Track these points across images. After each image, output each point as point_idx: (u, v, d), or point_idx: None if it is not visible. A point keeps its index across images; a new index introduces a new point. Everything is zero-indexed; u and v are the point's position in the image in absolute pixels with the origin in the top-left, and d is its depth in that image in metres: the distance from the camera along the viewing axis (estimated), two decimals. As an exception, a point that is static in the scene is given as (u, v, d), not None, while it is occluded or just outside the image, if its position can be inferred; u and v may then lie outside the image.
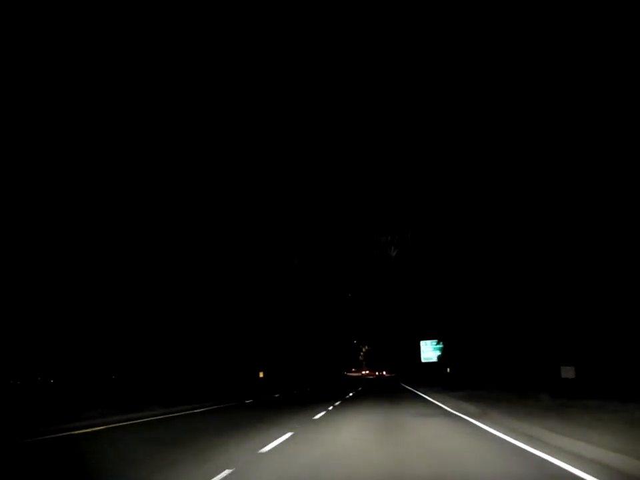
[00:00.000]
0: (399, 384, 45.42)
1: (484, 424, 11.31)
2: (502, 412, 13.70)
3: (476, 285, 39.86)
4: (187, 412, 15.81)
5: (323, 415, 13.97)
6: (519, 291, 31.88)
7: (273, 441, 8.29)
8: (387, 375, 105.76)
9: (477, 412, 14.62)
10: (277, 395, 26.75)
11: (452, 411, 15.51)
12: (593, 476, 5.69)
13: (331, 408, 16.69)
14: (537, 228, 24.13)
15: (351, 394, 27.56)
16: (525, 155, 24.70)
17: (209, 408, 17.71)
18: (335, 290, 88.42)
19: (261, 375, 34.58)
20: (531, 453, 7.24)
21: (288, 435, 9.08)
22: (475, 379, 34.66)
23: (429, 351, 63.83)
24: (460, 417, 13.46)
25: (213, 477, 5.75)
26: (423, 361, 63.93)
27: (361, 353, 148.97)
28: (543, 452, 7.20)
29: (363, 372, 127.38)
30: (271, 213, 40.01)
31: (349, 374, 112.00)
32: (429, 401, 20.41)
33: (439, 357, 60.28)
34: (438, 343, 61.87)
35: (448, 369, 42.21)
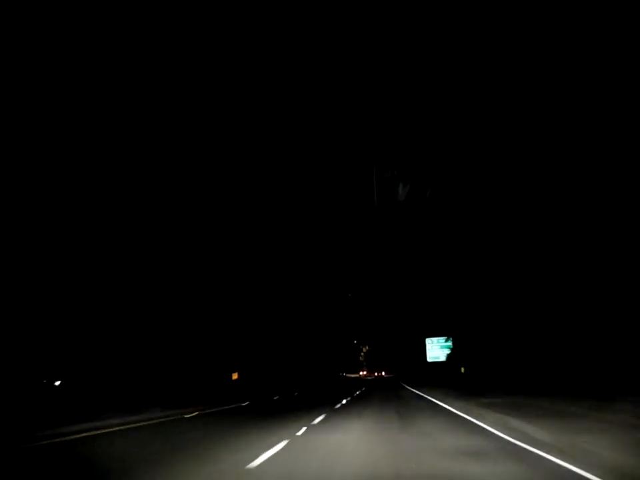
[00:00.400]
0: (404, 387, 38.71)
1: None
2: (619, 446, 7.15)
3: (496, 266, 33.39)
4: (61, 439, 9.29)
5: (278, 453, 7.41)
6: (556, 268, 25.44)
7: None
8: (385, 376, 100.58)
9: (558, 443, 8.04)
10: (245, 404, 20.19)
11: (508, 438, 8.97)
12: None
13: (301, 432, 10.09)
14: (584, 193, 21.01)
15: (344, 401, 20.97)
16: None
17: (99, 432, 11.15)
18: (333, 285, 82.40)
19: (235, 376, 28.07)
20: None
21: None
22: (501, 381, 28.08)
23: (436, 349, 57.26)
24: (539, 456, 6.93)
25: None
26: (429, 360, 57.39)
27: (361, 354, 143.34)
28: None
29: (361, 373, 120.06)
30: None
31: (348, 375, 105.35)
32: (457, 415, 13.79)
33: (448, 356, 53.73)
34: (447, 340, 55.34)
35: (462, 369, 35.53)
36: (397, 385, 44.74)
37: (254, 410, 17.76)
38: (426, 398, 22.02)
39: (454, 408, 15.84)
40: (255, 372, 34.46)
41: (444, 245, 40.06)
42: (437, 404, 18.16)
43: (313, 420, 12.36)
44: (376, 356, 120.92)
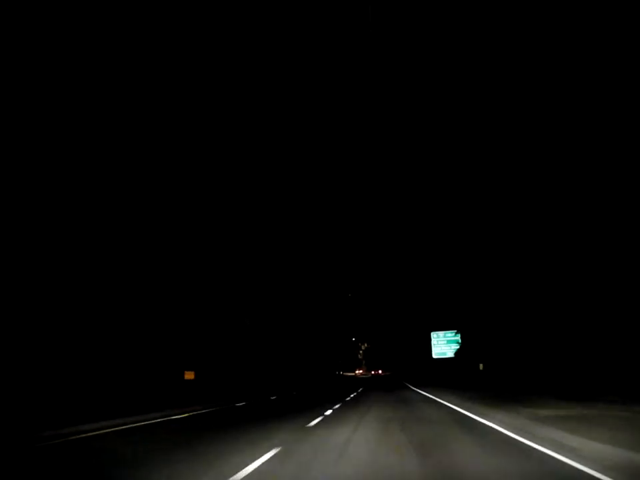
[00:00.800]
0: (408, 387, 32.35)
1: None
2: None
3: (513, 241, 27.22)
4: None
5: None
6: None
7: None
8: (382, 374, 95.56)
9: None
10: (184, 415, 13.79)
11: None
12: None
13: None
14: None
15: (329, 411, 14.49)
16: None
17: None
18: (331, 278, 76.46)
19: (189, 376, 21.75)
20: None
21: None
22: (536, 380, 21.74)
23: (442, 345, 50.75)
24: None
25: None
26: (434, 356, 50.86)
27: (360, 351, 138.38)
28: None
29: (357, 371, 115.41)
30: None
31: (345, 374, 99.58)
32: (528, 447, 7.33)
33: (457, 352, 47.36)
34: (455, 334, 49.00)
35: (481, 366, 29.06)
36: (398, 385, 38.42)
37: (187, 426, 11.43)
38: (445, 405, 15.58)
39: (504, 427, 9.48)
40: (224, 370, 28.19)
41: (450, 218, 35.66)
42: (470, 418, 11.77)
43: (262, 455, 5.96)
44: (375, 353, 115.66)
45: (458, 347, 47.95)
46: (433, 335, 51.09)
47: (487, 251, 34.66)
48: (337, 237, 65.00)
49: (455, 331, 48.29)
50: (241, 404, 18.54)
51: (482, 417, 11.44)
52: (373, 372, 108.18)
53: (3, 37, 19.92)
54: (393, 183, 50.60)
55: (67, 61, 22.73)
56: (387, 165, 49.43)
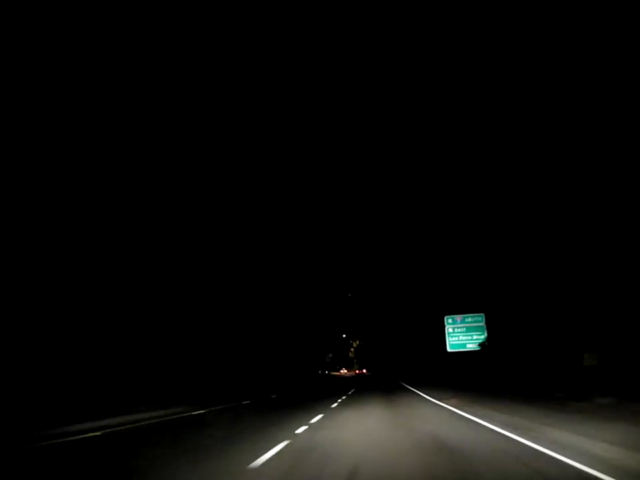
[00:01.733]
0: (427, 398, 18.47)
1: None
2: None
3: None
4: None
5: None
6: None
7: None
8: (366, 373, 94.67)
9: None
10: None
11: None
12: None
13: None
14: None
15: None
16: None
17: None
18: (321, 266, 65.07)
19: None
20: None
21: None
22: None
23: (461, 333, 36.72)
24: None
25: None
26: (449, 349, 37.00)
27: (352, 349, 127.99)
28: None
29: (342, 371, 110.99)
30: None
31: (332, 373, 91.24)
32: None
33: (483, 343, 33.77)
34: (478, 319, 35.48)
35: (591, 358, 15.17)
36: (398, 386, 24.84)
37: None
38: None
39: None
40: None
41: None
42: None
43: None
44: (368, 351, 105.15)
45: (484, 335, 34.45)
46: (447, 319, 37.08)
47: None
48: (332, 229, 61.18)
49: (482, 314, 34.74)
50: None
51: None
52: (357, 371, 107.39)
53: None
54: (395, 159, 48.45)
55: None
56: (389, 144, 49.01)
